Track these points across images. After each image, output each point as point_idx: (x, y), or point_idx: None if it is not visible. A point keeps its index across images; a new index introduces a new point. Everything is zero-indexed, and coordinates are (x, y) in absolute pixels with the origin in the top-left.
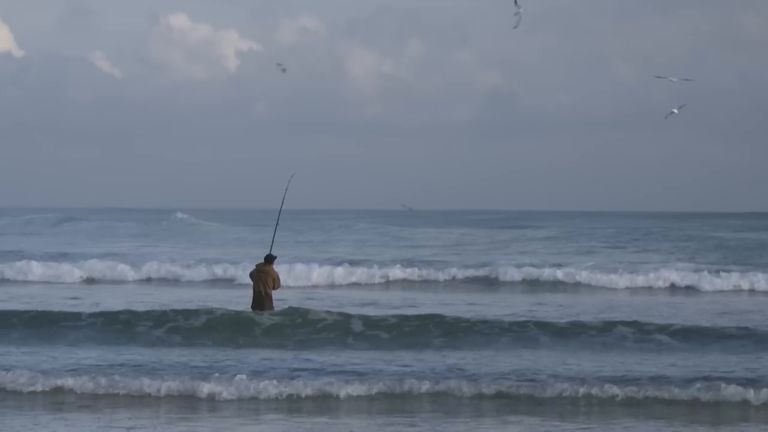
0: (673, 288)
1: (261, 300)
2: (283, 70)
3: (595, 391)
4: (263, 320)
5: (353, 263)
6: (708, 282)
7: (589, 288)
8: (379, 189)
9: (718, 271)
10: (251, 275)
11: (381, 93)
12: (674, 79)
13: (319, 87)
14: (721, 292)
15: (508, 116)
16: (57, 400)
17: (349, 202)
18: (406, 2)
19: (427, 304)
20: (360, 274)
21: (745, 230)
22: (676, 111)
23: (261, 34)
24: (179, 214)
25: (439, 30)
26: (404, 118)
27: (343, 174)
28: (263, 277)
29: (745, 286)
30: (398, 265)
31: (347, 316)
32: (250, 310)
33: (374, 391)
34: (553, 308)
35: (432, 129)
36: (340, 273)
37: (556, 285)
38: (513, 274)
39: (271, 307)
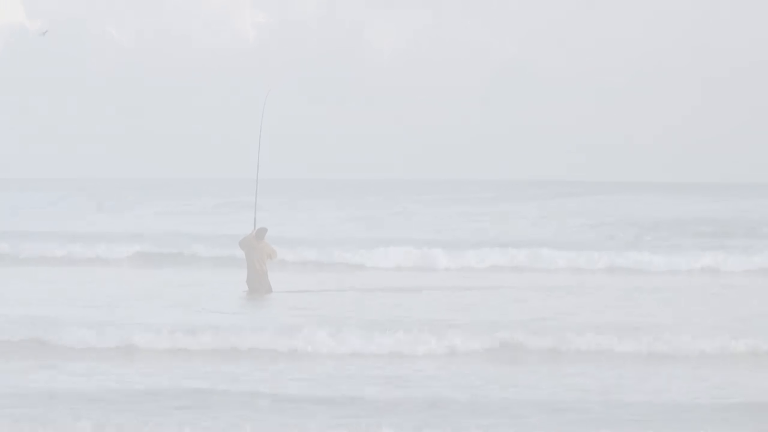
0: None
1: (257, 277)
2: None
3: None
4: None
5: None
6: None
7: None
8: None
9: None
10: (242, 245)
11: (402, 61)
12: None
13: (340, 56)
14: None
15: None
16: None
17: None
18: None
19: None
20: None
21: None
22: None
23: (277, 2)
24: None
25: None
26: (422, 87)
27: (362, 141)
28: (256, 255)
29: None
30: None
31: None
32: (245, 285)
33: None
34: None
35: (445, 94)
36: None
37: None
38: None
39: (268, 284)
